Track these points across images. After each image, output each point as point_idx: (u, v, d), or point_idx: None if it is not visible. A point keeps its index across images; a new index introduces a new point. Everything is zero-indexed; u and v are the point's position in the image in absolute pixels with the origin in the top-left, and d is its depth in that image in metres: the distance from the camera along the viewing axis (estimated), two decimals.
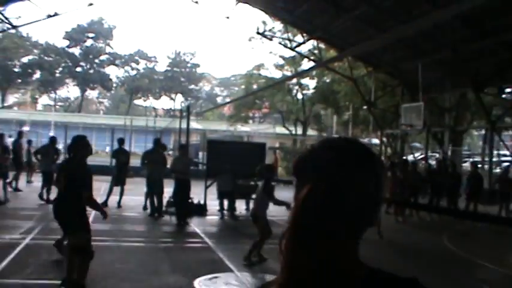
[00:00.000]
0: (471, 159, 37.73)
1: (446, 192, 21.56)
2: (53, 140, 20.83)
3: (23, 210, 12.36)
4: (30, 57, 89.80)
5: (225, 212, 18.09)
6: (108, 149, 44.66)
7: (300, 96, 49.46)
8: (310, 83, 48.48)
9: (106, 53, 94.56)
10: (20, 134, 24.83)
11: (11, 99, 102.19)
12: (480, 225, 18.74)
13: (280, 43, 34.51)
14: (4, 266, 9.63)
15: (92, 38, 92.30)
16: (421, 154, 35.52)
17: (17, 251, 10.84)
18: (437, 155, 34.90)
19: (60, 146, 25.08)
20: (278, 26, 34.49)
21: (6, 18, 31.38)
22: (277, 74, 49.89)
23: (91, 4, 31.07)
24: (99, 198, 19.30)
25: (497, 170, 29.38)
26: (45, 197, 18.63)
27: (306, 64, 44.43)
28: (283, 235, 1.38)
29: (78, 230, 7.84)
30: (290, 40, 33.10)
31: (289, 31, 32.93)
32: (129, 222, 16.22)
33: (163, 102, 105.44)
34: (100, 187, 22.45)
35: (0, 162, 18.94)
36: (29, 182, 26.15)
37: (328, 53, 35.90)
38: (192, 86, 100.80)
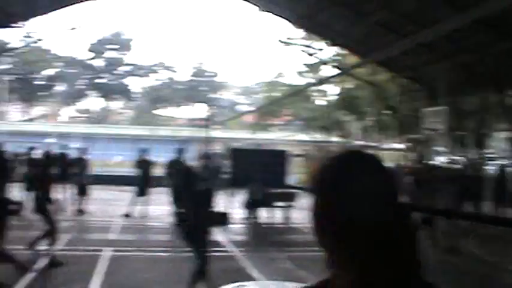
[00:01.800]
0: (497, 162, 37.38)
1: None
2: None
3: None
4: (54, 70, 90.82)
5: (250, 220, 18.06)
6: (131, 158, 44.86)
7: (321, 102, 49.35)
8: (333, 89, 48.38)
9: (127, 64, 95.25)
10: None
11: (37, 112, 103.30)
12: None
13: (302, 50, 34.52)
14: (32, 276, 9.72)
15: (113, 49, 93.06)
16: (446, 158, 35.29)
17: (44, 261, 10.93)
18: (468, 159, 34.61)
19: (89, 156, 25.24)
20: (300, 33, 34.45)
21: (30, 33, 31.80)
22: (299, 81, 49.86)
23: (111, 16, 31.37)
24: (124, 208, 19.49)
25: None
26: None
27: (328, 70, 44.40)
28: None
29: None
30: (312, 47, 33.09)
31: (310, 38, 32.90)
32: (154, 231, 16.27)
33: (185, 112, 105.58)
34: (124, 197, 22.65)
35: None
36: None
37: (349, 59, 35.81)
38: (214, 95, 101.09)
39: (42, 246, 11.27)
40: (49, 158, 16.84)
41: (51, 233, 11.35)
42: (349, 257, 1.39)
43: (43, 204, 11.31)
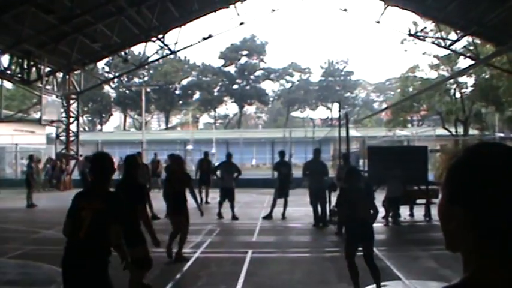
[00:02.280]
0: None
1: None
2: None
3: (192, 225, 12.85)
4: (189, 79, 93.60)
5: (389, 219, 17.80)
6: (268, 161, 45.53)
7: (458, 95, 47.96)
8: (468, 80, 46.89)
9: (260, 69, 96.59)
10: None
11: (175, 120, 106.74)
12: None
13: (433, 42, 33.66)
14: (178, 278, 10.08)
15: (245, 55, 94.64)
16: None
17: (189, 264, 11.30)
18: None
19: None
20: (430, 25, 33.65)
21: (166, 45, 32.97)
22: (433, 75, 48.64)
23: (242, 23, 31.97)
24: (263, 210, 19.76)
25: None
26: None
27: (462, 62, 43.10)
28: None
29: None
30: (443, 39, 32.20)
31: (442, 29, 32.03)
32: (294, 233, 16.39)
33: (320, 112, 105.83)
34: (263, 200, 22.92)
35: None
36: None
37: (484, 47, 34.63)
38: (348, 94, 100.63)
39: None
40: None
41: (183, 236, 11.77)
42: (503, 256, 1.35)
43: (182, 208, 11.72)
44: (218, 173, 20.50)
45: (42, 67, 31.04)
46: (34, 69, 31.37)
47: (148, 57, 37.71)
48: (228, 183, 19.44)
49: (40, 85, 31.27)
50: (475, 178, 1.36)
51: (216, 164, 24.24)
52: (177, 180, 12.13)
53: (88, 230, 5.09)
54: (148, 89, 78.75)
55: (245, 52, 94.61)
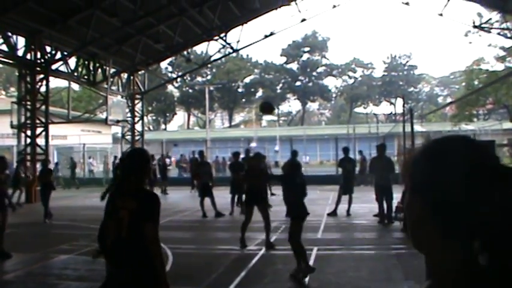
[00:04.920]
0: None
1: None
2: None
3: (257, 222, 12.94)
4: (252, 77, 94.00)
5: None
6: (332, 158, 45.43)
7: None
8: None
9: (323, 65, 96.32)
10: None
11: (238, 118, 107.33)
12: None
13: (499, 34, 33.00)
14: (243, 275, 10.16)
15: (307, 52, 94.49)
16: None
17: (254, 261, 11.38)
18: None
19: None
20: (495, 16, 33.01)
21: (228, 43, 33.22)
22: (499, 67, 47.70)
23: (304, 19, 31.95)
24: (328, 207, 19.74)
25: None
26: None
27: None
28: None
29: None
30: (510, 29, 31.53)
31: (508, 20, 31.36)
32: (359, 230, 16.30)
33: (384, 108, 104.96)
34: (328, 196, 22.89)
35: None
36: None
37: None
38: (412, 89, 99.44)
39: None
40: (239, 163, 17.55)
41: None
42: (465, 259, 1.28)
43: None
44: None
45: (107, 68, 31.66)
46: (99, 70, 32.08)
47: (211, 56, 38.03)
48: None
49: (106, 86, 31.90)
50: (431, 165, 1.32)
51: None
52: (253, 175, 13.05)
53: (128, 230, 5.01)
54: (212, 88, 79.31)
55: (307, 49, 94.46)
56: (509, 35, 31.71)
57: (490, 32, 33.59)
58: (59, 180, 35.45)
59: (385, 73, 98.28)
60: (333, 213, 18.78)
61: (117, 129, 46.41)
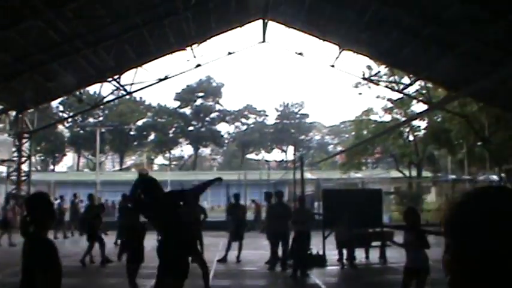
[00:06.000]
0: None
1: None
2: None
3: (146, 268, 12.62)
4: (145, 120, 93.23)
5: (345, 261, 17.78)
6: (223, 203, 45.40)
7: (411, 138, 48.71)
8: (421, 123, 47.69)
9: (216, 111, 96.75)
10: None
11: (129, 161, 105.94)
12: None
13: (387, 86, 34.18)
14: None
15: (201, 97, 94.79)
16: None
17: None
18: None
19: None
20: (383, 69, 34.20)
21: (122, 86, 32.81)
22: (387, 118, 49.34)
23: (199, 65, 32.04)
24: (218, 253, 19.58)
25: None
26: None
27: (416, 105, 43.83)
28: None
29: None
30: (397, 82, 32.69)
31: (395, 73, 32.54)
32: (249, 276, 16.25)
33: (275, 155, 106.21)
34: (218, 242, 22.74)
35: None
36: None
37: (436, 91, 35.27)
38: (303, 137, 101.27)
39: None
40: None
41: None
42: None
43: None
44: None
45: None
46: None
47: (104, 97, 37.51)
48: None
49: None
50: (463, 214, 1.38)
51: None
52: None
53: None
54: (103, 129, 78.06)
55: (201, 94, 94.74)
56: (396, 87, 32.84)
57: (378, 84, 34.76)
58: None
59: (278, 120, 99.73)
60: (223, 260, 18.64)
61: (1, 169, 44.74)
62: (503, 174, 32.25)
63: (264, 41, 31.95)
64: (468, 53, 23.91)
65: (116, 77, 32.13)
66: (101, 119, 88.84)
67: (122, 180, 58.21)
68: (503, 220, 1.33)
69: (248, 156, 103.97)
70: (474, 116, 31.72)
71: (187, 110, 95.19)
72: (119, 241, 20.37)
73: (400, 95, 38.54)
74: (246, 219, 20.59)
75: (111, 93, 36.05)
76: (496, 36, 21.45)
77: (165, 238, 8.08)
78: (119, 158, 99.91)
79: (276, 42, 32.50)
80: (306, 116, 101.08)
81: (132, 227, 12.49)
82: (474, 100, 30.54)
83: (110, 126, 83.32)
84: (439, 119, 42.62)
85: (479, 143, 33.94)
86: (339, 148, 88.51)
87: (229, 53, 32.42)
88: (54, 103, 64.76)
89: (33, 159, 48.06)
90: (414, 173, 49.33)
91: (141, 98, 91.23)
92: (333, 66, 30.74)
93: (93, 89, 53.01)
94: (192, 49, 31.33)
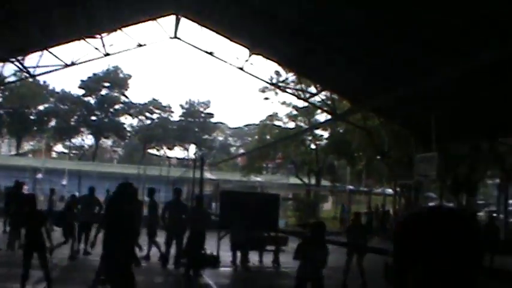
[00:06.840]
0: (486, 209, 37.48)
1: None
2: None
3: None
4: (47, 105, 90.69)
5: (238, 263, 17.85)
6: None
7: (313, 146, 49.43)
8: (324, 133, 48.51)
9: (121, 102, 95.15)
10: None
11: (26, 146, 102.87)
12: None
13: (293, 94, 34.54)
14: None
15: (107, 87, 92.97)
16: (436, 204, 35.13)
17: None
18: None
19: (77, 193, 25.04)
20: (291, 77, 34.56)
21: (25, 68, 31.78)
22: (291, 125, 49.96)
23: (108, 54, 31.48)
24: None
25: None
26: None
27: (320, 114, 44.56)
28: None
29: None
30: (303, 91, 33.09)
31: (302, 82, 32.93)
32: (142, 273, 16.06)
33: (177, 152, 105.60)
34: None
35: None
36: None
37: (341, 103, 35.92)
38: (206, 136, 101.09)
39: None
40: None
41: None
42: None
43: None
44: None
45: None
46: None
47: (5, 78, 36.20)
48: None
49: None
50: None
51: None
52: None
53: None
54: (1, 111, 75.52)
55: (107, 84, 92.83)
56: (302, 96, 33.24)
57: (285, 91, 35.06)
58: None
59: (182, 118, 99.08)
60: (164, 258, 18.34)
61: None
62: (398, 189, 33.19)
63: (175, 36, 31.67)
64: (373, 68, 24.46)
65: (19, 58, 31.11)
66: (0, 100, 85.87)
67: (17, 166, 56.50)
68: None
69: (150, 151, 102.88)
70: (375, 131, 32.45)
71: (91, 99, 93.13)
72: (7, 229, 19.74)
73: (306, 104, 39.10)
74: (142, 215, 20.32)
75: (14, 74, 34.92)
76: (401, 54, 22.04)
77: None
78: (16, 142, 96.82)
79: (188, 39, 32.27)
80: (211, 115, 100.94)
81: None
82: (376, 115, 31.25)
83: (9, 108, 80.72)
84: (341, 130, 43.45)
85: (378, 157, 34.81)
86: (241, 150, 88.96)
87: (140, 45, 31.97)
88: None
89: None
90: (313, 181, 50.06)
91: (44, 82, 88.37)
92: (241, 68, 30.81)
93: None
94: (102, 37, 30.73)
